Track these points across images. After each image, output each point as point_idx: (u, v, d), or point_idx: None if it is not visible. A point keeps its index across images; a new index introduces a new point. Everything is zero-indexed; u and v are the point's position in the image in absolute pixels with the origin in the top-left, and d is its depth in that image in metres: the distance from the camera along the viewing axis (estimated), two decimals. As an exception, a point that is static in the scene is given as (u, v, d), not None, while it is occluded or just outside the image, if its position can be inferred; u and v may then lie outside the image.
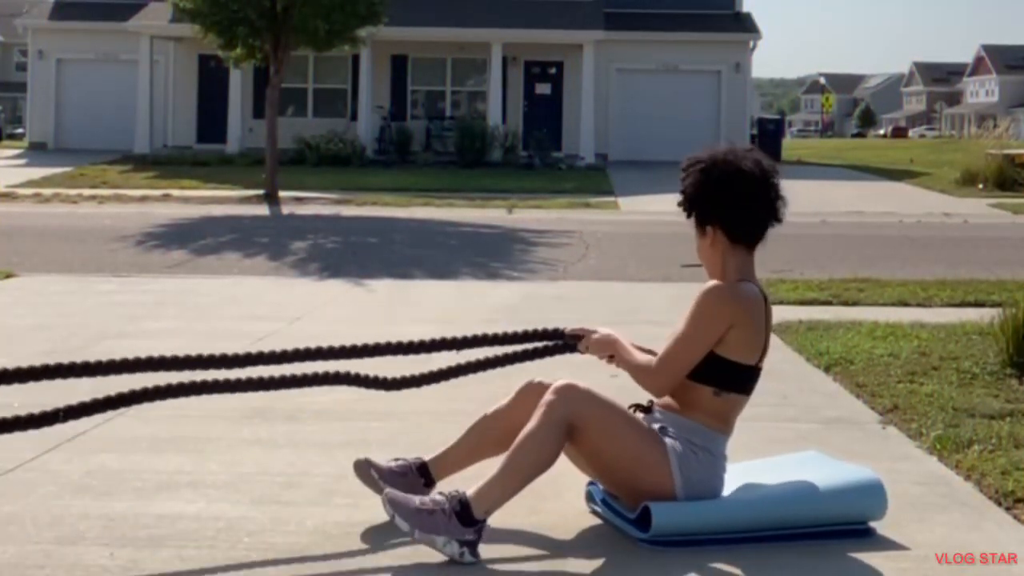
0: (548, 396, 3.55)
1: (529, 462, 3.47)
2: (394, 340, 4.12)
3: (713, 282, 3.66)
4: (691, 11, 33.21)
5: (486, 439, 3.77)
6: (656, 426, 3.67)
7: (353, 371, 4.04)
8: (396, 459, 3.82)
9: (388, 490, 3.53)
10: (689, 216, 3.76)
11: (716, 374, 3.61)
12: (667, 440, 3.63)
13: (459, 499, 3.41)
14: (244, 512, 3.85)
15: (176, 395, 3.75)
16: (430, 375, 4.14)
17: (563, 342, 4.01)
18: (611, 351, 3.83)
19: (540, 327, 4.10)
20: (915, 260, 13.20)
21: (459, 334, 4.14)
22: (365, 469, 3.78)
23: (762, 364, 3.70)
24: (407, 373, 4.17)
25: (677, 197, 3.81)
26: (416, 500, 3.43)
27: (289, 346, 6.90)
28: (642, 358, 3.73)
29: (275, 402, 5.47)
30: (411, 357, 4.15)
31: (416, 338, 4.15)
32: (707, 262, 3.74)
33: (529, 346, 4.07)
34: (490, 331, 4.12)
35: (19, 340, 7.08)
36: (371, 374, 4.06)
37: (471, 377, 3.94)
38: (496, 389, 4.06)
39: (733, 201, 3.64)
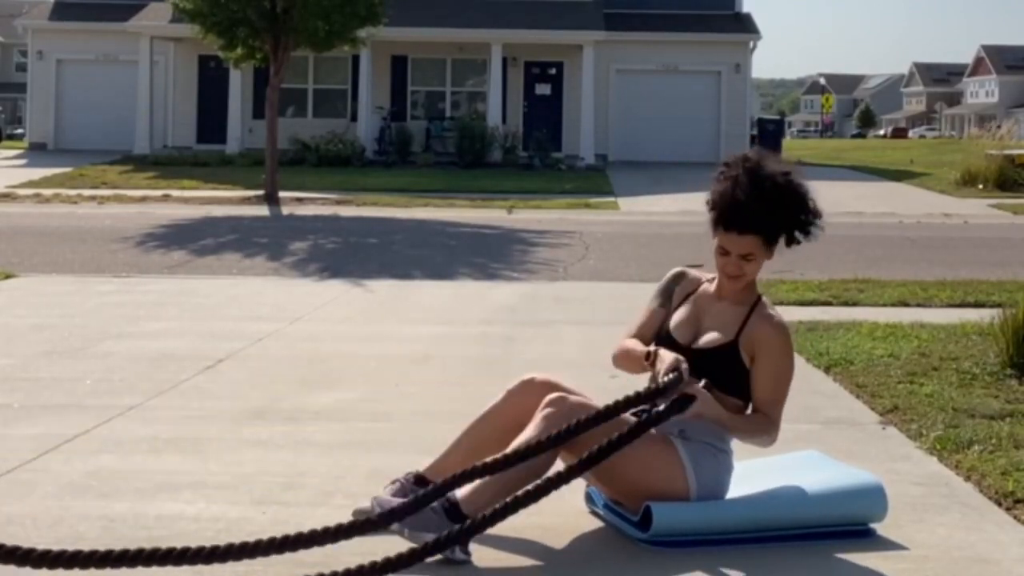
0: (544, 408, 3.55)
1: (521, 471, 3.46)
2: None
3: (778, 316, 3.75)
4: (691, 11, 33.18)
5: (484, 439, 3.75)
6: (675, 429, 3.64)
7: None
8: (392, 482, 3.79)
9: (377, 495, 3.56)
10: (769, 236, 3.65)
11: (744, 386, 3.70)
12: (679, 442, 3.62)
13: (448, 498, 3.42)
14: (244, 512, 3.84)
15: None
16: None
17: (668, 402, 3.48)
18: (710, 414, 3.57)
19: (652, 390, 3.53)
20: (915, 261, 13.20)
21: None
22: (364, 516, 3.72)
23: None
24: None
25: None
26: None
27: (289, 346, 6.94)
28: (751, 417, 3.70)
29: (275, 403, 5.48)
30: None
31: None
32: (750, 276, 3.73)
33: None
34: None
35: (19, 340, 7.08)
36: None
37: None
38: (497, 389, 4.05)
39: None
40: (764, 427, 3.67)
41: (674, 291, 3.88)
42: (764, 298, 3.77)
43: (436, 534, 3.36)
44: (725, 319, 3.70)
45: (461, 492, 3.44)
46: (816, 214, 3.73)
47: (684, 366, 3.49)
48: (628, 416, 3.63)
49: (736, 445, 3.77)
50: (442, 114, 32.94)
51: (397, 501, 3.46)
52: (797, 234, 3.71)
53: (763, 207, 3.62)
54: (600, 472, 3.62)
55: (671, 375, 3.47)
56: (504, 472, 3.45)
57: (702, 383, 3.54)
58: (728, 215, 3.64)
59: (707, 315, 3.75)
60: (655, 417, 3.47)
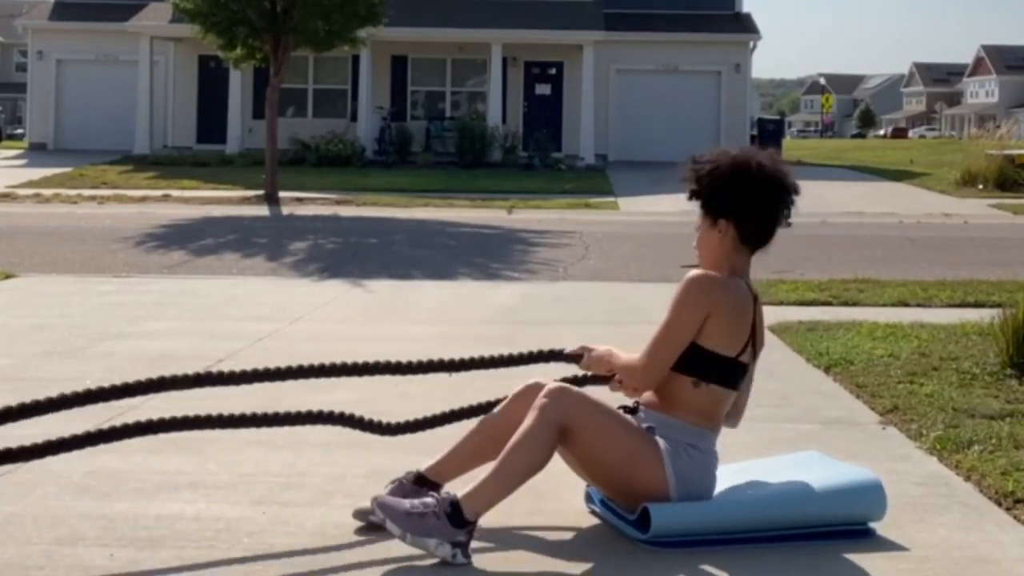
0: (540, 399, 3.55)
1: (521, 464, 3.47)
2: (385, 358, 4.02)
3: (693, 271, 3.67)
4: (691, 11, 33.21)
5: (487, 442, 3.74)
6: (644, 426, 3.66)
7: (354, 413, 4.00)
8: (392, 481, 3.79)
9: (378, 495, 3.54)
10: (705, 205, 3.70)
11: (695, 364, 3.62)
12: (660, 440, 3.62)
13: (450, 501, 3.41)
14: (244, 513, 3.84)
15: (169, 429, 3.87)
16: (431, 419, 4.08)
17: (564, 361, 4.05)
18: (608, 365, 3.85)
19: (538, 349, 4.10)
20: (915, 260, 13.20)
21: (455, 355, 4.06)
22: (365, 516, 3.70)
23: (745, 359, 3.66)
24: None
25: (678, 196, 3.81)
26: (407, 503, 3.43)
27: (289, 346, 6.93)
28: (630, 357, 3.74)
29: (275, 403, 5.46)
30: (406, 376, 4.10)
31: (410, 357, 4.08)
32: (708, 254, 3.71)
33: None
34: (487, 353, 4.10)
35: (19, 340, 7.08)
36: (370, 417, 4.02)
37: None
38: (497, 391, 4.06)
39: (760, 203, 3.66)
40: (633, 366, 3.70)
41: None
42: (724, 274, 3.68)
43: (439, 539, 3.36)
44: None
45: (461, 493, 3.44)
46: (754, 199, 3.65)
47: (567, 349, 4.03)
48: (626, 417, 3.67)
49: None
50: (442, 114, 32.95)
51: (401, 502, 3.45)
52: (731, 213, 3.66)
53: (703, 174, 3.67)
54: (590, 467, 3.64)
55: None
56: (502, 468, 3.45)
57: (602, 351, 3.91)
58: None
59: None
60: (540, 355, 4.05)
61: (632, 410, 3.74)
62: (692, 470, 3.61)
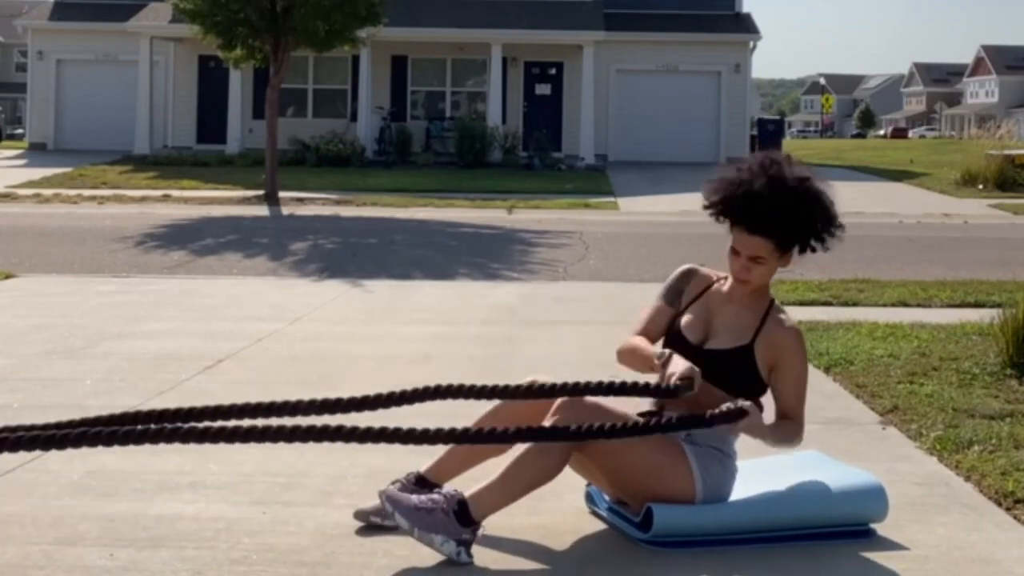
0: (553, 413, 3.50)
1: (532, 473, 3.46)
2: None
3: (791, 320, 3.74)
4: (691, 11, 33.19)
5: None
6: (682, 434, 3.61)
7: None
8: (394, 482, 3.78)
9: (387, 488, 3.55)
10: (783, 243, 3.66)
11: (749, 388, 3.64)
12: (688, 446, 3.61)
13: (457, 499, 3.42)
14: (244, 513, 3.85)
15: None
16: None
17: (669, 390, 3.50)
18: (755, 429, 3.54)
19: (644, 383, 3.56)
20: (915, 260, 13.21)
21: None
22: (365, 516, 3.70)
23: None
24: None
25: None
26: (415, 499, 3.44)
27: (289, 346, 6.95)
28: (782, 425, 3.64)
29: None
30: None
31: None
32: (767, 277, 3.73)
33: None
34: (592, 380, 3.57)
35: (19, 340, 7.08)
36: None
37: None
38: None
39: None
40: (795, 431, 3.65)
41: (684, 290, 3.83)
42: (776, 303, 3.76)
43: (445, 536, 3.36)
44: (739, 322, 3.67)
45: (469, 493, 3.45)
46: (834, 223, 3.74)
47: (698, 375, 3.45)
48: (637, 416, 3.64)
49: (737, 446, 3.76)
50: (442, 114, 32.94)
51: (410, 496, 3.45)
52: (813, 243, 3.72)
53: (778, 209, 3.60)
54: (610, 474, 3.62)
55: (681, 382, 3.45)
56: (512, 474, 3.45)
57: (746, 404, 3.49)
58: (739, 208, 3.62)
59: (718, 316, 3.72)
60: (683, 423, 3.47)
61: (656, 415, 3.70)
62: (721, 477, 3.62)
